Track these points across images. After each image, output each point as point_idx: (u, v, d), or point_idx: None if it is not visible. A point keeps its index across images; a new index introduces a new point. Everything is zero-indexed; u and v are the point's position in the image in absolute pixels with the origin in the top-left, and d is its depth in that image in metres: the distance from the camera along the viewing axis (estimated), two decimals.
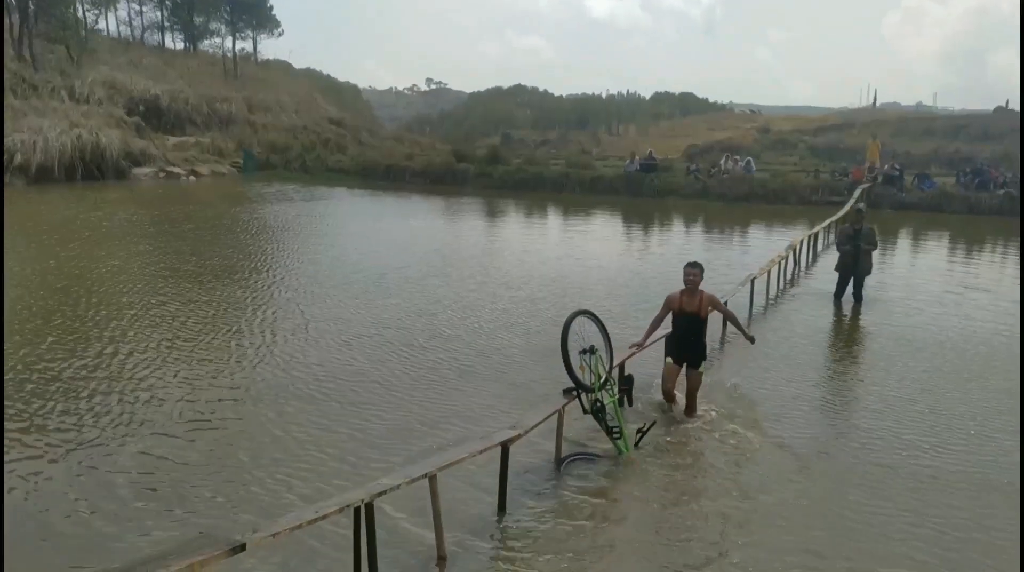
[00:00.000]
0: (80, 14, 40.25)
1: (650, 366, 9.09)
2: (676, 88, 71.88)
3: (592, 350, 6.87)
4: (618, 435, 6.87)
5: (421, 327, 10.95)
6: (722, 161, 31.23)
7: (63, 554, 5.23)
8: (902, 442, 7.34)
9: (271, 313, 11.61)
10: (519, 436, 6.00)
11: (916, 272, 16.72)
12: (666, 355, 8.03)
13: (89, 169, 29.23)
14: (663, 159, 32.27)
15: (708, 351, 8.16)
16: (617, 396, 7.11)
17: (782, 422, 7.79)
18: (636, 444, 7.02)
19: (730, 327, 8.93)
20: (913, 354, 10.18)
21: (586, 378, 6.78)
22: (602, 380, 6.92)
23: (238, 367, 9.09)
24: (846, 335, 11.56)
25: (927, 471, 6.76)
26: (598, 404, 6.81)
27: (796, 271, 15.43)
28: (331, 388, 8.43)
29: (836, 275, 13.13)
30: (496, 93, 66.30)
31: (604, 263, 16.62)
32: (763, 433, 7.52)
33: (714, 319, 8.19)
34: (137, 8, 48.81)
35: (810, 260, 16.79)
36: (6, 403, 7.58)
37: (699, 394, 7.89)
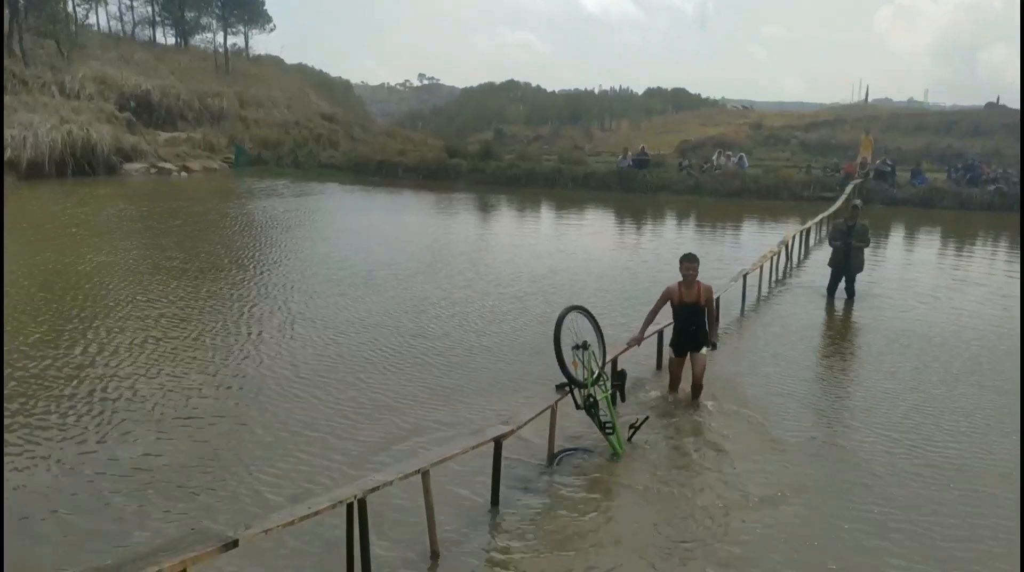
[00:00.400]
0: (70, 9, 40.02)
1: (644, 362, 9.13)
2: (669, 84, 71.67)
3: (585, 345, 6.87)
4: (611, 431, 6.88)
5: (408, 325, 10.88)
6: (714, 157, 31.29)
7: (48, 554, 5.20)
8: (889, 440, 7.37)
9: (256, 310, 11.51)
10: (512, 432, 6.01)
11: (908, 267, 16.77)
12: (671, 345, 8.24)
13: (80, 165, 29.08)
14: (655, 155, 32.29)
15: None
16: (610, 392, 7.12)
17: (771, 418, 7.81)
18: (629, 439, 7.03)
19: (731, 323, 8.94)
20: (903, 350, 10.22)
21: (579, 374, 6.79)
22: (595, 376, 6.93)
23: (222, 365, 9.02)
24: (837, 331, 11.59)
25: (916, 468, 6.79)
26: (591, 400, 6.82)
27: (788, 266, 15.46)
28: (314, 386, 8.37)
29: (829, 270, 13.16)
30: (488, 89, 66.24)
31: (596, 259, 16.62)
32: (753, 429, 7.54)
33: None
34: (128, 3, 48.64)
35: (802, 255, 16.82)
36: None
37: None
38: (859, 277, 13.04)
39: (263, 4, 50.82)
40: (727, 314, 11.37)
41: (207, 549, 3.85)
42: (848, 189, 25.12)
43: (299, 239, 18.43)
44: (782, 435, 7.41)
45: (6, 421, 7.14)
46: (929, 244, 20.47)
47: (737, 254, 17.05)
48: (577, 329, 6.96)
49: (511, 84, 67.03)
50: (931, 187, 27.32)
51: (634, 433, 7.07)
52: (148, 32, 49.66)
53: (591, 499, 6.14)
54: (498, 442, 5.84)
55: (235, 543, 3.96)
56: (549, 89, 67.16)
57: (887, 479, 6.53)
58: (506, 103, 61.23)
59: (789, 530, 5.71)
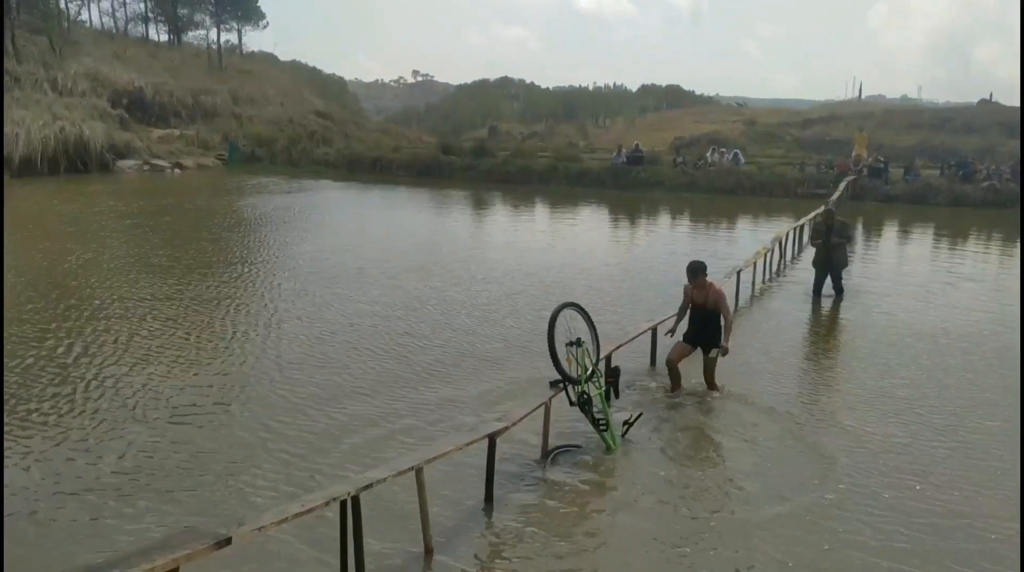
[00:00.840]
0: (62, 5, 39.84)
1: (638, 359, 9.13)
2: (663, 80, 71.92)
3: (579, 342, 6.88)
4: (605, 427, 6.90)
5: (397, 324, 10.79)
6: (708, 154, 31.28)
7: (30, 555, 5.16)
8: (879, 440, 7.39)
9: (241, 309, 11.44)
10: (506, 428, 6.01)
11: (902, 264, 16.83)
12: (682, 338, 8.44)
13: (73, 162, 28.90)
14: (650, 152, 32.22)
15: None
16: (604, 388, 7.13)
17: (765, 416, 7.84)
18: (622, 436, 7.05)
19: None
20: (892, 347, 10.24)
21: (573, 370, 6.80)
22: (589, 372, 6.94)
23: (207, 364, 8.94)
24: (829, 329, 11.61)
25: (909, 468, 6.82)
26: (585, 396, 6.83)
27: (782, 263, 15.49)
28: (299, 386, 8.30)
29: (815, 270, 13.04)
30: (483, 85, 66.14)
31: (590, 256, 16.63)
32: (747, 426, 7.57)
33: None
34: None
35: (796, 252, 16.85)
36: None
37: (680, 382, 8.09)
38: (852, 273, 13.04)
39: (256, 1, 50.61)
40: None
41: (200, 547, 3.84)
42: (842, 186, 25.15)
43: (290, 236, 18.27)
44: (776, 432, 7.44)
45: None
46: (922, 241, 20.53)
47: (731, 251, 17.08)
48: (571, 326, 6.97)
49: (505, 81, 66.96)
50: (924, 184, 27.35)
51: (628, 429, 7.09)
52: (141, 29, 49.40)
53: (585, 496, 6.15)
54: (492, 439, 5.85)
55: (228, 541, 3.95)
56: (543, 86, 67.30)
57: (877, 481, 6.55)
58: (500, 100, 61.19)
59: (784, 526, 5.72)
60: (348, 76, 74.99)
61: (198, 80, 41.08)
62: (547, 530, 5.61)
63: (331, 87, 58.18)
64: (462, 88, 68.77)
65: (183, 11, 48.58)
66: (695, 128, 42.14)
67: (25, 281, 12.40)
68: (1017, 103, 40.99)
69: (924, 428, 7.56)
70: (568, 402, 6.83)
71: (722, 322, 8.16)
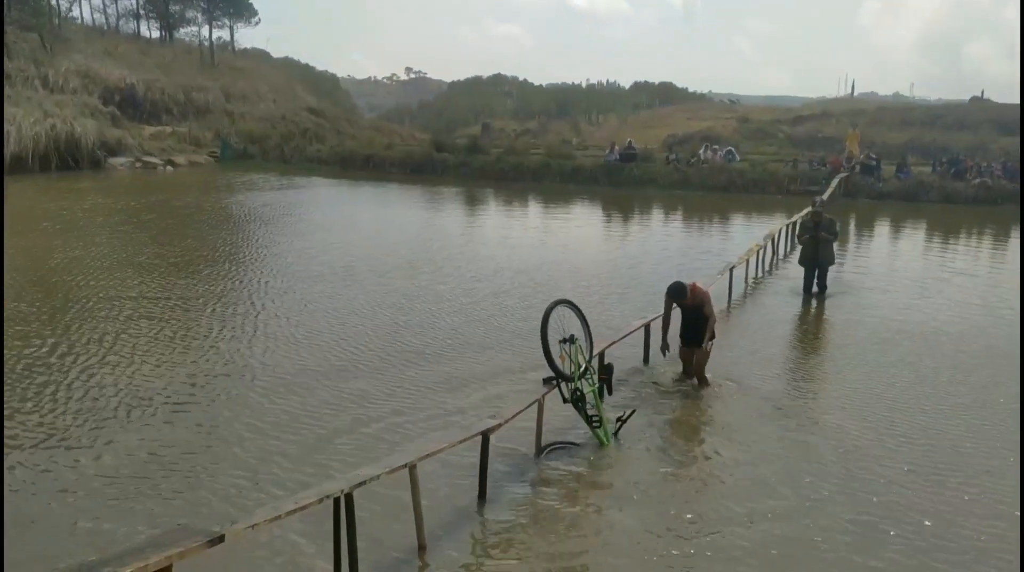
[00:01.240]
0: (53, 2, 39.63)
1: (631, 356, 9.14)
2: (656, 78, 72.02)
3: (572, 339, 6.89)
4: (598, 424, 6.91)
5: (384, 322, 10.67)
6: (701, 151, 31.32)
7: (19, 556, 5.12)
8: (867, 437, 7.42)
9: (228, 308, 11.33)
10: (499, 425, 6.02)
11: (893, 260, 16.88)
12: (679, 336, 8.63)
13: (64, 159, 28.73)
14: (643, 149, 32.24)
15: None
16: (597, 385, 7.14)
17: (757, 413, 7.88)
18: (615, 433, 7.06)
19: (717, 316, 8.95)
20: (882, 345, 10.27)
21: (566, 367, 6.80)
22: (582, 369, 6.95)
23: (191, 364, 8.83)
24: (820, 326, 11.66)
25: (895, 464, 6.85)
26: (578, 393, 6.84)
27: (774, 260, 15.52)
28: (283, 386, 8.21)
29: (803, 269, 12.98)
30: (476, 82, 66.10)
31: (582, 253, 16.64)
32: (734, 424, 7.60)
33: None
34: None
35: (788, 249, 16.88)
36: None
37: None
38: (843, 270, 13.06)
39: None
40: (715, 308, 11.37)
41: (193, 544, 3.84)
42: (834, 183, 25.21)
43: (279, 234, 18.08)
44: (767, 429, 7.48)
45: None
46: (914, 237, 20.59)
47: (724, 247, 17.12)
48: (564, 323, 6.97)
49: (498, 78, 66.93)
50: (916, 181, 27.45)
51: (621, 426, 7.10)
52: (132, 25, 49.21)
53: (578, 492, 6.17)
54: (486, 436, 5.85)
55: (221, 538, 3.95)
56: (537, 83, 67.27)
57: (872, 475, 6.58)
58: (493, 97, 61.16)
59: (774, 521, 5.74)
60: (341, 73, 74.93)
61: (190, 77, 40.91)
62: (540, 526, 5.62)
63: (324, 84, 58.04)
64: (455, 85, 68.72)
65: (175, 7, 48.38)
66: (688, 125, 42.18)
67: (7, 280, 12.08)
68: (1008, 100, 41.24)
69: (912, 426, 7.59)
70: (561, 399, 6.84)
71: (708, 322, 8.39)
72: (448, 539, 5.42)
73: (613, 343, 8.31)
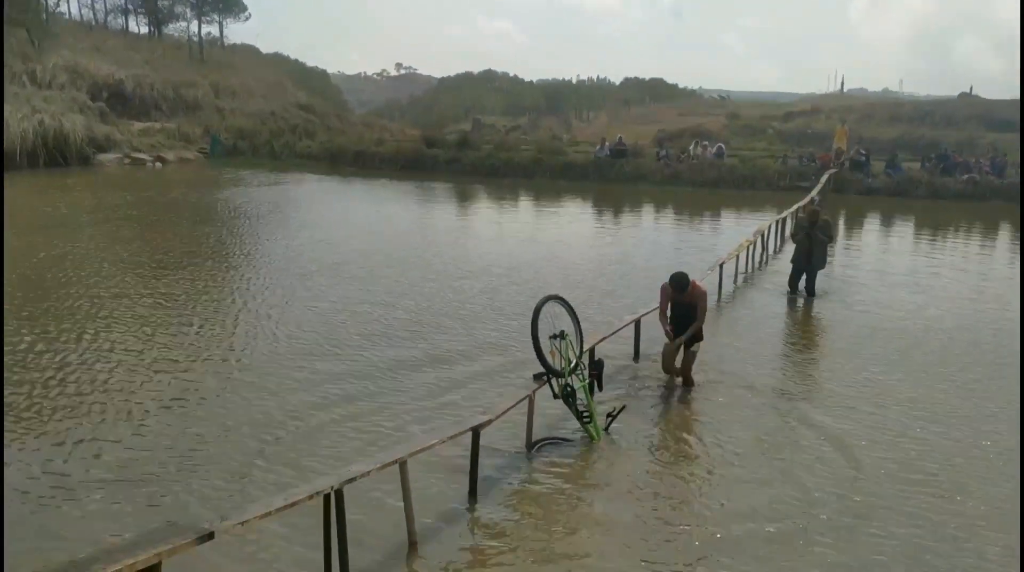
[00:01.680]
0: None
1: (622, 351, 9.16)
2: (646, 74, 72.14)
3: (562, 335, 6.90)
4: (588, 419, 6.92)
5: (369, 321, 10.54)
6: (691, 147, 31.37)
7: (15, 550, 5.11)
8: (854, 434, 7.46)
9: (211, 305, 11.22)
10: (490, 421, 6.01)
11: (882, 256, 16.94)
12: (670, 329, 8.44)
13: (52, 156, 28.60)
14: (633, 145, 32.27)
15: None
16: (587, 381, 7.16)
17: (748, 410, 7.90)
18: (606, 428, 7.08)
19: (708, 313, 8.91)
20: (870, 340, 10.32)
21: (556, 363, 6.81)
22: (572, 365, 6.96)
23: (172, 361, 8.75)
24: (809, 322, 11.67)
25: (881, 460, 6.89)
26: (568, 389, 6.85)
27: (764, 256, 15.56)
28: (260, 386, 8.11)
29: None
30: (466, 78, 66.13)
31: (573, 249, 16.65)
32: (722, 419, 7.62)
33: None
34: None
35: (778, 245, 16.93)
36: None
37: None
38: (830, 266, 13.06)
39: None
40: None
41: (182, 541, 3.83)
42: (824, 179, 25.29)
43: (267, 231, 17.96)
44: (754, 425, 7.50)
45: None
46: (903, 233, 20.67)
47: (714, 243, 17.16)
48: (554, 319, 6.98)
49: (489, 74, 67.02)
50: (905, 177, 27.55)
51: (611, 422, 7.12)
52: (121, 21, 48.97)
53: (569, 488, 6.18)
54: (476, 432, 5.85)
55: (211, 535, 3.94)
56: (527, 79, 67.33)
57: (864, 470, 6.62)
58: (484, 93, 61.15)
59: (767, 518, 5.77)
60: (331, 69, 74.77)
61: (179, 73, 40.73)
62: (530, 522, 5.63)
63: (314, 80, 57.86)
64: (445, 81, 68.73)
65: (163, 3, 48.17)
66: (678, 121, 42.22)
67: None
68: (996, 96, 41.42)
69: (902, 424, 7.63)
70: (552, 395, 6.85)
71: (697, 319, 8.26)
72: (439, 535, 5.43)
73: (603, 339, 8.32)
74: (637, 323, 9.24)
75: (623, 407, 7.28)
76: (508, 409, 6.36)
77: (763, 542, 5.43)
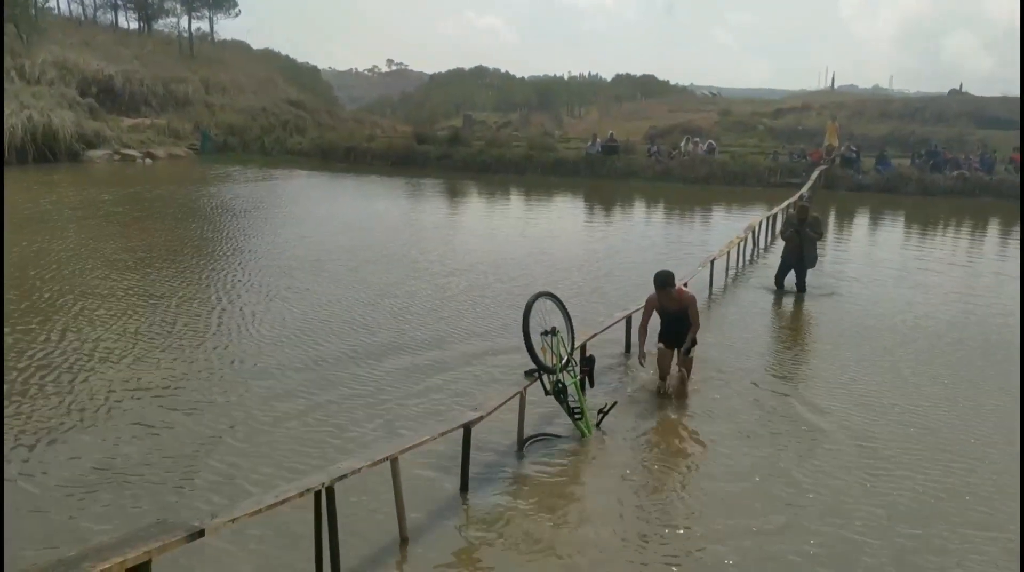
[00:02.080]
0: None
1: (613, 348, 9.16)
2: (637, 70, 72.16)
3: (553, 331, 6.90)
4: (579, 416, 6.93)
5: (353, 320, 10.42)
6: (682, 143, 31.41)
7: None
8: (843, 430, 7.48)
9: (194, 303, 11.04)
10: (481, 418, 6.02)
11: (872, 252, 17.00)
12: (659, 341, 8.30)
13: (41, 151, 28.42)
14: (624, 141, 32.29)
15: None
16: (579, 377, 7.16)
17: (739, 407, 7.93)
18: (597, 424, 7.08)
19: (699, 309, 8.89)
20: (861, 337, 10.35)
21: (547, 359, 6.81)
22: (564, 361, 6.96)
23: (153, 360, 8.64)
24: (800, 318, 11.68)
25: (882, 464, 6.92)
26: (560, 385, 6.85)
27: (755, 252, 15.59)
28: (240, 385, 8.05)
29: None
30: (457, 74, 66.00)
31: (564, 245, 16.64)
32: (714, 416, 7.65)
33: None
34: None
35: (769, 241, 16.97)
36: None
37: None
38: (821, 264, 13.07)
39: None
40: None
41: (172, 539, 3.82)
42: (814, 175, 25.38)
43: (251, 227, 17.80)
44: (745, 420, 7.52)
45: None
46: (893, 229, 20.76)
47: (705, 239, 17.19)
48: (546, 315, 6.98)
49: (480, 70, 66.88)
50: (895, 173, 27.66)
51: (602, 418, 7.12)
52: (110, 16, 48.74)
53: (559, 483, 6.19)
54: (467, 428, 5.85)
55: (201, 533, 3.93)
56: (518, 75, 67.21)
57: (855, 469, 6.65)
58: (475, 89, 61.03)
59: (760, 516, 5.79)
60: (322, 65, 74.60)
61: (169, 68, 40.56)
62: (522, 518, 5.64)
63: (305, 76, 57.66)
64: (436, 77, 68.55)
65: None
66: (669, 118, 42.22)
67: None
68: (986, 93, 41.60)
69: (891, 421, 7.66)
70: (543, 391, 6.85)
71: (692, 326, 8.14)
72: (430, 532, 5.43)
73: (595, 335, 8.31)
74: (628, 319, 9.24)
75: (614, 403, 7.29)
76: (499, 406, 6.36)
77: (753, 534, 5.45)
